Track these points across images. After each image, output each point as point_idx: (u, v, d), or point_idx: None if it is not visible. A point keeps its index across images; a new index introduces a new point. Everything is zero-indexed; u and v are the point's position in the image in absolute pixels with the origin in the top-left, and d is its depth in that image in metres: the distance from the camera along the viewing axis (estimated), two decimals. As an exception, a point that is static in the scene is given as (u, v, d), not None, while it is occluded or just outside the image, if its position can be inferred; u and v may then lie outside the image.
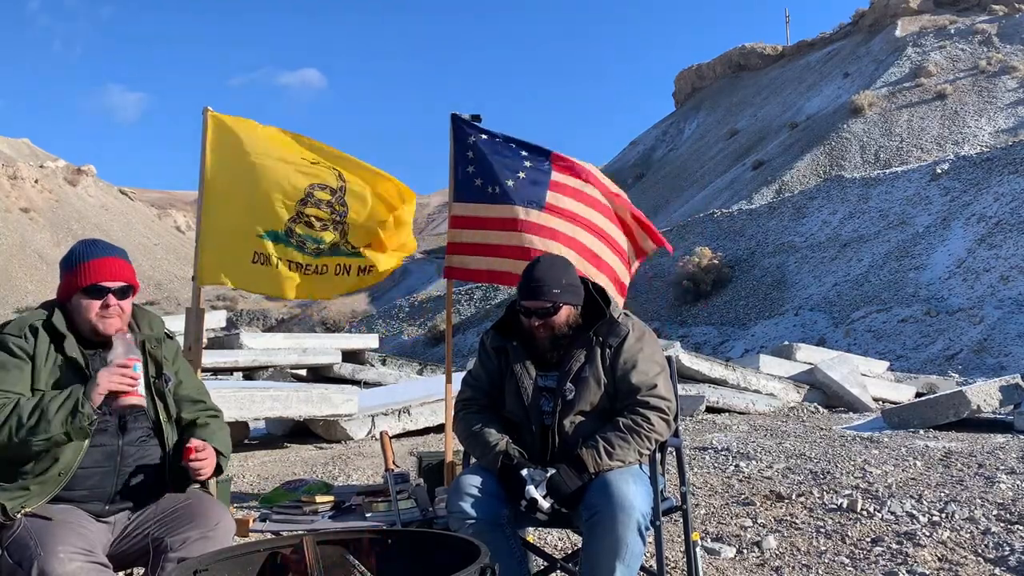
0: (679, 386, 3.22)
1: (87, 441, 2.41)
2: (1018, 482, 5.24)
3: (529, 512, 2.73)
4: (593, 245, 4.29)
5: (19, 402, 2.32)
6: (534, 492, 2.67)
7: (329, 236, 4.32)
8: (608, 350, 2.87)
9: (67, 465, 2.38)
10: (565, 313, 2.89)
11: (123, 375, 2.37)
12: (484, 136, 4.47)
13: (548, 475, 2.71)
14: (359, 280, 4.43)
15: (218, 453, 2.58)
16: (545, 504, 2.68)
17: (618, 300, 4.10)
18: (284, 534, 2.83)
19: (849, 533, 4.26)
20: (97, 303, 2.50)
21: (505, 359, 2.98)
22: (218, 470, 2.58)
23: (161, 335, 2.68)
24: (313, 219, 4.31)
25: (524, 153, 4.42)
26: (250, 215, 4.33)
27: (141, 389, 2.42)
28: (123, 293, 2.54)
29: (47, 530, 2.25)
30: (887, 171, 26.21)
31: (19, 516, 2.31)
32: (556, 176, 4.37)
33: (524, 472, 2.72)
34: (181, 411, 2.66)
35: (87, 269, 2.50)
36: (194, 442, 2.50)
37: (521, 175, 4.35)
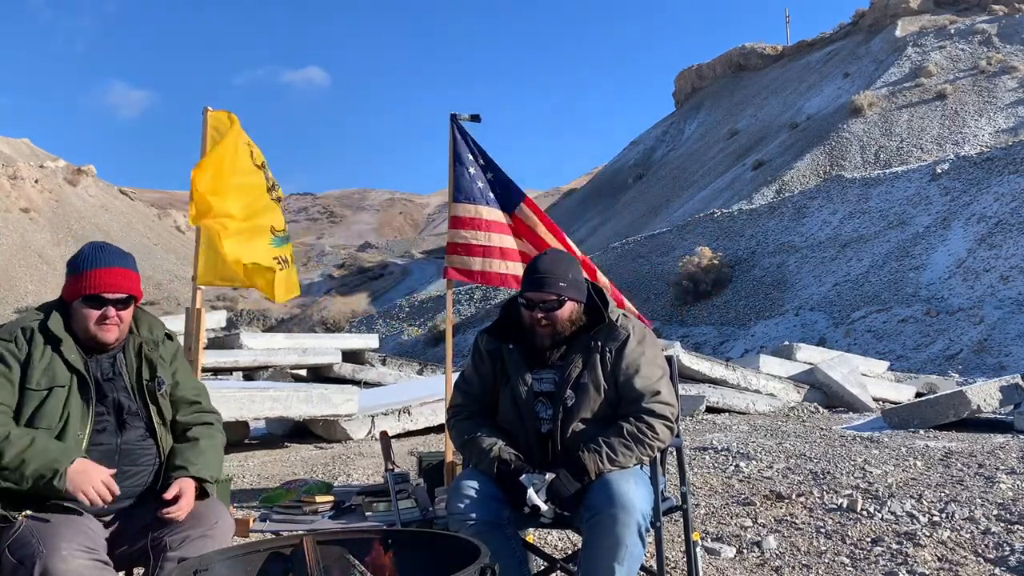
0: (679, 386, 3.21)
1: (82, 448, 2.40)
2: (1018, 482, 5.24)
3: (532, 516, 2.72)
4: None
5: (9, 436, 2.29)
6: (536, 499, 2.63)
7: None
8: (608, 354, 2.82)
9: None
10: (569, 309, 2.84)
11: (105, 488, 2.33)
12: (475, 145, 4.51)
13: (547, 480, 2.67)
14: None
15: (200, 480, 2.52)
16: (546, 509, 2.66)
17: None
18: (284, 534, 2.83)
19: (849, 533, 4.25)
20: (96, 313, 2.49)
21: (500, 363, 2.92)
22: (203, 493, 2.54)
23: (160, 338, 2.67)
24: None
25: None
26: (263, 218, 4.39)
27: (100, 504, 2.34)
28: (124, 304, 2.52)
29: (50, 528, 2.25)
30: (887, 171, 26.18)
31: (19, 517, 2.31)
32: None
33: (523, 478, 2.68)
34: (177, 413, 2.64)
35: (91, 277, 2.49)
36: (170, 492, 2.45)
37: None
